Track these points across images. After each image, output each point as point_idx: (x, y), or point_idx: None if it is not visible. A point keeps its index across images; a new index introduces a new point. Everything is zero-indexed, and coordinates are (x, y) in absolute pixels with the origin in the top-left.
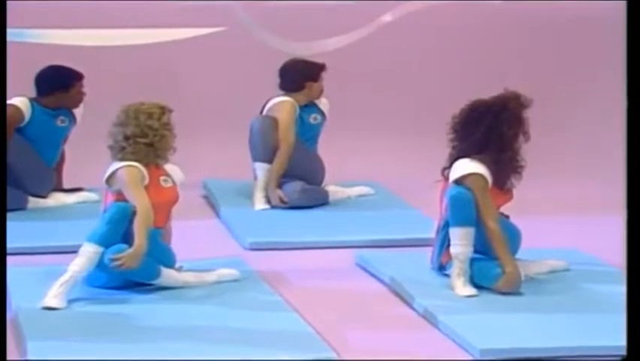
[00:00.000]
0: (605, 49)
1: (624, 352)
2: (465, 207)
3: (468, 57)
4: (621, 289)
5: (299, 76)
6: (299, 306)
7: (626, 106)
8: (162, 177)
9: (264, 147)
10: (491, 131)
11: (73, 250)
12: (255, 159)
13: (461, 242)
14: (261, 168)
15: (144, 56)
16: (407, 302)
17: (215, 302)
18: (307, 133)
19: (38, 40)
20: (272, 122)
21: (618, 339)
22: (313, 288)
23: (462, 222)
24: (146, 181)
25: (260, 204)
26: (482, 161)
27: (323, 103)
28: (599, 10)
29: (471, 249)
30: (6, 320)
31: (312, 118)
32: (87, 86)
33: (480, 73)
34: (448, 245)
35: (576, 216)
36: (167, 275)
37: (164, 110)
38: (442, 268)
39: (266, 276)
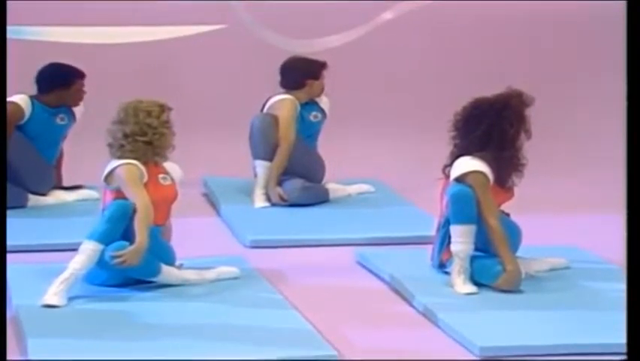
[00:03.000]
0: (605, 49)
1: (624, 349)
2: (466, 205)
3: (469, 56)
4: (621, 287)
5: (300, 74)
6: (299, 304)
7: (626, 105)
8: (161, 175)
9: (265, 145)
10: (493, 128)
11: (74, 248)
12: (256, 156)
13: (462, 240)
14: (262, 166)
15: (144, 53)
16: (407, 300)
17: (215, 300)
18: (307, 131)
19: (38, 37)
20: (272, 120)
21: (618, 337)
22: (313, 286)
23: (463, 220)
24: (145, 179)
25: (260, 201)
26: (483, 158)
27: (324, 101)
28: (599, 10)
29: (471, 247)
30: (6, 318)
31: (313, 116)
32: (87, 83)
33: (480, 71)
34: (449, 243)
35: (576, 214)
36: (168, 273)
37: (163, 108)
38: (442, 266)
39: (266, 274)
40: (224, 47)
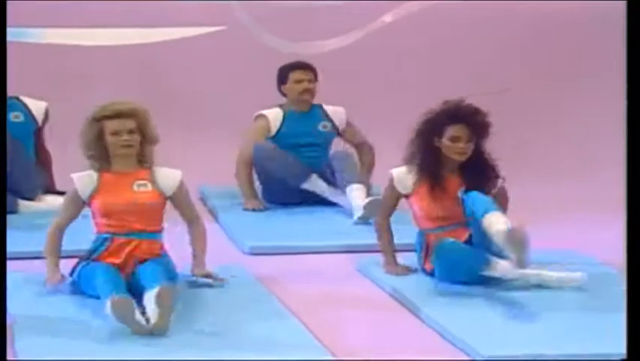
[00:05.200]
0: (605, 49)
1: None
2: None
3: (469, 57)
4: (621, 291)
5: (277, 83)
6: (299, 312)
7: (626, 105)
8: (138, 182)
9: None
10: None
11: (68, 255)
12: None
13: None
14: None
15: (142, 55)
16: (407, 308)
17: (213, 307)
18: (316, 139)
19: (36, 39)
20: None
21: (618, 345)
22: (313, 294)
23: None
24: (93, 186)
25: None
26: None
27: (339, 112)
28: (599, 10)
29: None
30: (6, 318)
31: (322, 126)
32: (81, 85)
33: (480, 72)
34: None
35: (575, 215)
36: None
37: (104, 116)
38: (427, 274)
39: (265, 281)
40: (223, 50)
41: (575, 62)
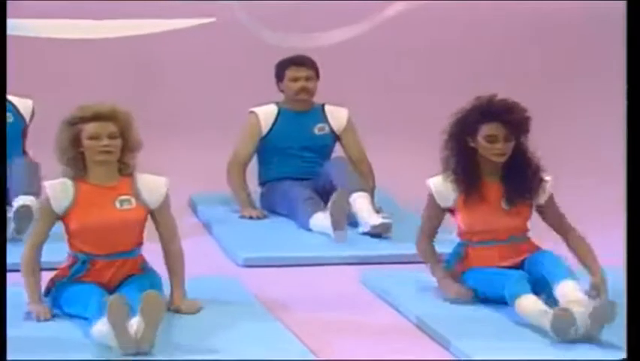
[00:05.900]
0: (605, 49)
1: None
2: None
3: (469, 58)
4: (621, 292)
5: (276, 79)
6: (297, 329)
7: (626, 105)
8: (120, 198)
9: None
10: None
11: (51, 268)
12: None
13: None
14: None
15: (133, 49)
16: (412, 322)
17: (204, 323)
18: (310, 142)
19: (19, 32)
20: None
21: (618, 351)
22: (312, 309)
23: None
24: (70, 199)
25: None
26: (447, 172)
27: (339, 112)
28: (599, 10)
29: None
30: (6, 319)
31: (318, 128)
32: (73, 82)
33: (481, 73)
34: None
35: (576, 217)
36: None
37: (82, 118)
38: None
39: (260, 296)
40: (219, 46)
41: (575, 62)
